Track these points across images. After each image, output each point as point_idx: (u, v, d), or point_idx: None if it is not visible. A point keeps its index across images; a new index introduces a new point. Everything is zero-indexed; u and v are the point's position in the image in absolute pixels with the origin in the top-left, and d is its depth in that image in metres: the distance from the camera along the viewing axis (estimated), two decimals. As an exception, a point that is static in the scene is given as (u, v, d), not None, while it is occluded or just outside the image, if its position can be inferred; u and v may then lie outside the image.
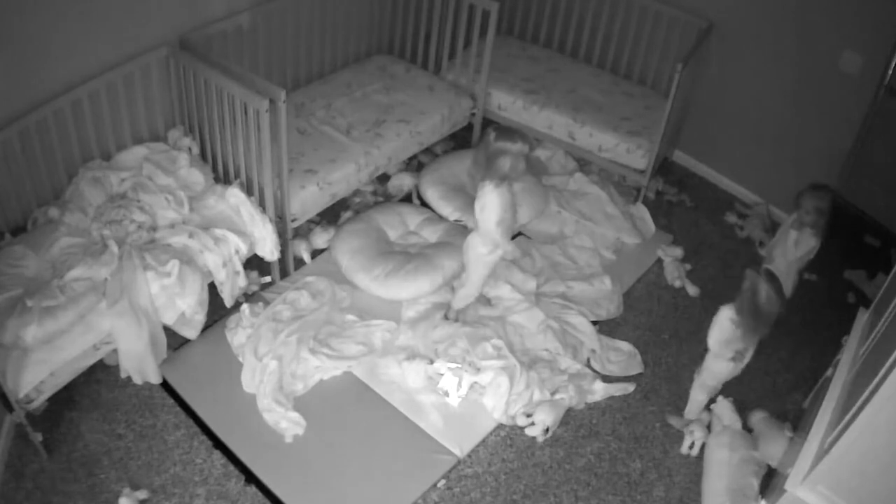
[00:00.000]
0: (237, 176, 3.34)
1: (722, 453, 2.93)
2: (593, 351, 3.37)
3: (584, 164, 4.34)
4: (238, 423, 2.94)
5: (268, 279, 3.50)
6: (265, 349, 3.08)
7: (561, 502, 2.88)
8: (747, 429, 3.07)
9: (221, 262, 3.06)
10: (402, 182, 4.10)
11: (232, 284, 3.14)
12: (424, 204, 3.94)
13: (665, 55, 4.23)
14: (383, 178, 4.12)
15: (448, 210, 3.81)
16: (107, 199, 3.12)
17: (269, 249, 3.23)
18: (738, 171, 4.35)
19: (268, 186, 3.18)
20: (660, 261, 3.92)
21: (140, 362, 2.90)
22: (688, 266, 3.89)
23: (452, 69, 4.31)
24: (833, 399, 2.46)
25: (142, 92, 3.28)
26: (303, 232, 3.68)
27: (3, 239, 2.97)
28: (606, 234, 3.94)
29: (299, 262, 3.62)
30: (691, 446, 3.06)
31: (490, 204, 2.89)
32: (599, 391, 3.22)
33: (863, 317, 2.89)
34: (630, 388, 3.28)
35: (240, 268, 3.16)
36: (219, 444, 2.89)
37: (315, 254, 3.68)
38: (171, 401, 3.01)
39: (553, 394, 3.13)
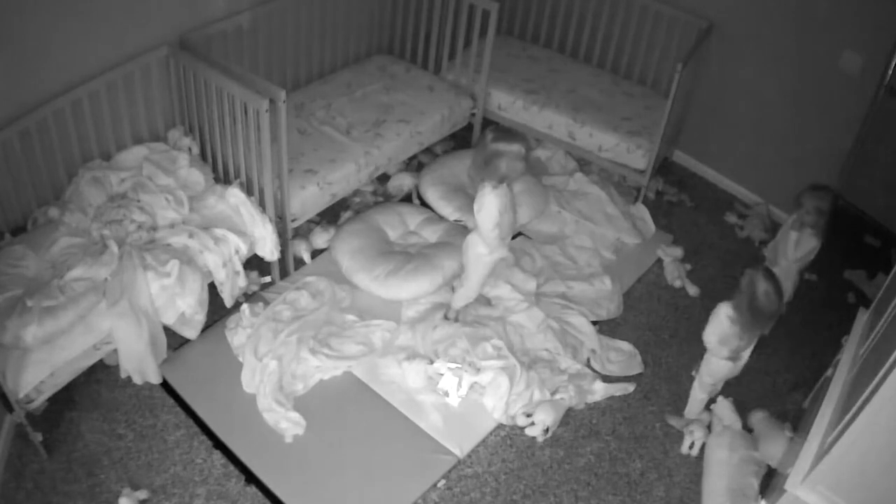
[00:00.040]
0: (237, 176, 3.34)
1: (722, 453, 2.93)
2: (593, 351, 3.37)
3: (584, 164, 4.34)
4: (238, 423, 2.94)
5: (268, 279, 3.50)
6: (265, 349, 3.08)
7: (561, 502, 2.88)
8: (747, 429, 3.07)
9: (221, 262, 3.06)
10: (402, 182, 4.10)
11: (232, 284, 3.14)
12: (424, 204, 3.94)
13: (665, 55, 4.23)
14: (383, 178, 4.12)
15: (448, 210, 3.81)
16: (107, 199, 3.12)
17: (269, 249, 3.23)
18: (738, 171, 4.35)
19: (268, 186, 3.18)
20: (660, 261, 3.92)
21: (140, 362, 2.90)
22: (688, 266, 3.89)
23: (452, 69, 4.31)
24: (833, 399, 2.45)
25: (142, 92, 3.28)
26: (303, 232, 3.68)
27: (3, 239, 2.97)
28: (606, 234, 3.94)
29: (299, 262, 3.62)
30: (691, 446, 3.06)
31: (488, 205, 2.89)
32: (599, 391, 3.22)
33: (863, 317, 2.89)
34: (630, 388, 3.28)
35: (240, 268, 3.16)
36: (219, 444, 2.89)
37: (315, 254, 3.68)
38: (171, 401, 3.01)
39: (553, 394, 3.13)
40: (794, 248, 3.18)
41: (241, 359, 3.12)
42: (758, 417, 3.08)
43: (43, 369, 2.67)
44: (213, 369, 3.10)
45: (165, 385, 3.04)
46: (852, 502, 2.13)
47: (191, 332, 3.06)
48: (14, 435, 2.81)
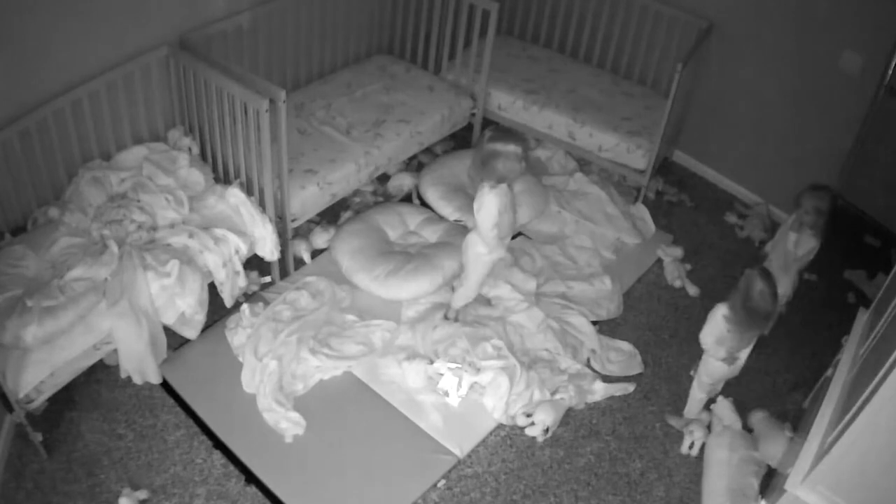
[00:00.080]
0: (237, 176, 3.34)
1: (722, 453, 2.93)
2: (593, 351, 3.37)
3: (584, 164, 4.34)
4: (238, 423, 2.94)
5: (268, 279, 3.50)
6: (265, 349, 3.08)
7: (561, 502, 2.88)
8: (747, 429, 3.07)
9: (221, 262, 3.06)
10: (402, 182, 4.10)
11: (232, 284, 3.14)
12: (424, 204, 3.94)
13: (665, 55, 4.23)
14: (383, 178, 4.12)
15: (448, 210, 3.81)
16: (107, 199, 3.12)
17: (269, 249, 3.23)
18: (738, 171, 4.35)
19: (268, 186, 3.18)
20: (660, 261, 3.92)
21: (140, 362, 2.90)
22: (688, 266, 3.89)
23: (452, 69, 4.31)
24: (833, 399, 2.45)
25: (142, 92, 3.28)
26: (303, 232, 3.68)
27: (3, 239, 2.97)
28: (606, 234, 3.94)
29: (299, 262, 3.62)
30: (691, 446, 3.06)
31: (487, 204, 2.89)
32: (599, 391, 3.22)
33: (863, 317, 2.89)
34: (630, 388, 3.28)
35: (240, 268, 3.16)
36: (219, 444, 2.89)
37: (315, 254, 3.68)
38: (171, 401, 3.01)
39: (553, 394, 3.13)
40: (794, 249, 3.18)
41: (241, 359, 3.12)
42: (758, 417, 3.08)
43: (43, 369, 2.67)
44: (213, 369, 3.10)
45: (165, 385, 3.04)
46: (852, 502, 2.13)
47: (191, 332, 3.06)
48: (14, 435, 2.81)
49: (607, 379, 3.28)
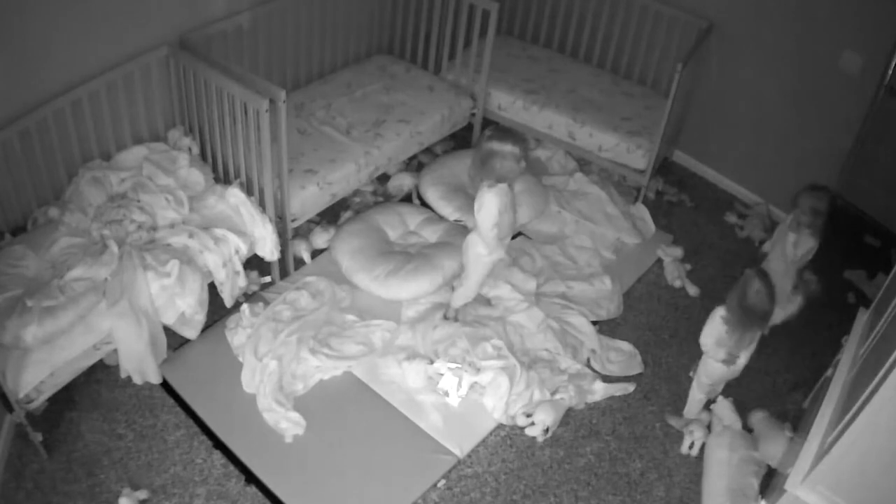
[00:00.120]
0: (237, 176, 3.34)
1: (722, 453, 2.93)
2: (593, 351, 3.37)
3: (584, 164, 4.34)
4: (238, 423, 2.94)
5: (268, 279, 3.50)
6: (265, 349, 3.08)
7: (561, 502, 2.88)
8: (747, 429, 3.07)
9: (221, 262, 3.06)
10: (402, 182, 4.10)
11: (232, 284, 3.14)
12: (424, 204, 3.94)
13: (665, 55, 4.23)
14: (383, 178, 4.12)
15: (448, 210, 3.81)
16: (107, 199, 3.12)
17: (269, 249, 3.23)
18: (738, 171, 4.35)
19: (268, 186, 3.18)
20: (660, 261, 3.92)
21: (140, 362, 2.90)
22: (688, 266, 3.89)
23: (452, 69, 4.31)
24: (833, 399, 2.45)
25: (142, 92, 3.28)
26: (303, 232, 3.68)
27: (3, 239, 2.97)
28: (606, 234, 3.94)
29: (299, 262, 3.62)
30: (691, 446, 3.06)
31: (488, 204, 2.88)
32: (599, 391, 3.22)
33: (863, 317, 2.89)
34: (630, 388, 3.28)
35: (240, 268, 3.16)
36: (219, 444, 2.89)
37: (315, 254, 3.68)
38: (171, 401, 3.01)
39: (553, 394, 3.13)
40: (794, 249, 3.18)
41: (241, 359, 3.12)
42: (758, 417, 3.08)
43: (43, 369, 2.67)
44: (213, 369, 3.10)
45: (165, 385, 3.04)
46: (852, 502, 2.13)
47: (191, 332, 3.06)
48: (14, 435, 2.81)
49: (607, 379, 3.28)
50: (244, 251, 3.15)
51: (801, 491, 2.20)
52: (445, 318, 3.36)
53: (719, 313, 2.78)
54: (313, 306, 3.32)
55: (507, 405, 3.06)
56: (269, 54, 3.77)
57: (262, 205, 3.25)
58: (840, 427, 2.15)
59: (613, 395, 3.25)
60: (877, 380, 2.00)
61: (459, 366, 3.13)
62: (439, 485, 2.88)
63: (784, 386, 3.37)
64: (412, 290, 3.38)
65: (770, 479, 2.84)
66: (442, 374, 3.12)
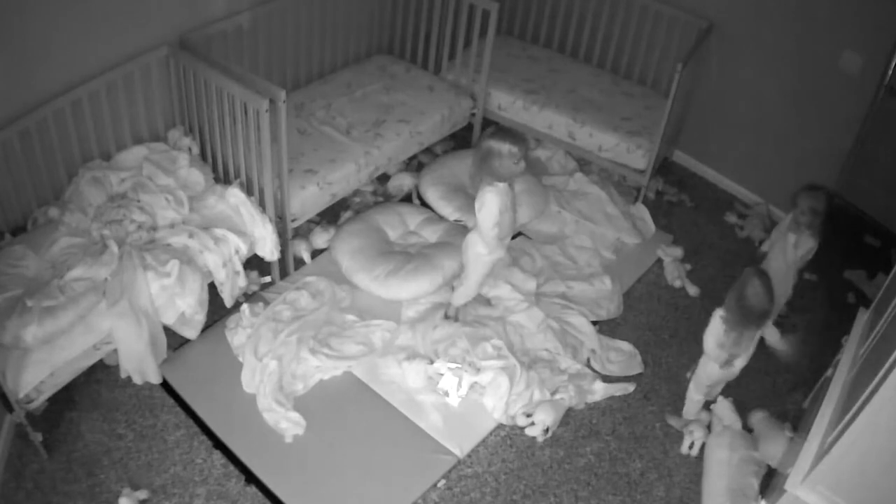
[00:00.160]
0: (237, 176, 3.34)
1: (722, 453, 2.93)
2: (593, 351, 3.37)
3: (584, 164, 4.34)
4: (238, 423, 2.94)
5: (268, 279, 3.50)
6: (265, 349, 3.08)
7: (561, 502, 2.88)
8: (747, 429, 3.07)
9: (221, 262, 3.06)
10: (402, 182, 4.10)
11: (232, 284, 3.14)
12: (424, 204, 3.94)
13: (665, 55, 4.23)
14: (383, 178, 4.12)
15: (448, 210, 3.81)
16: (107, 199, 3.12)
17: (269, 249, 3.23)
18: (738, 171, 4.35)
19: (268, 186, 3.18)
20: (660, 261, 3.92)
21: (140, 362, 2.90)
22: (688, 266, 3.89)
23: (452, 69, 4.31)
24: (833, 399, 2.45)
25: (142, 92, 3.28)
26: (303, 232, 3.68)
27: (3, 239, 2.97)
28: (606, 234, 3.94)
29: (299, 262, 3.62)
30: (691, 446, 3.06)
31: (488, 203, 2.88)
32: (599, 391, 3.22)
33: (863, 317, 2.89)
34: (630, 388, 3.28)
35: (240, 268, 3.16)
36: (219, 444, 2.89)
37: (315, 254, 3.68)
38: (171, 401, 3.01)
39: (553, 394, 3.13)
40: (794, 250, 3.18)
41: (241, 359, 3.12)
42: (758, 417, 3.08)
43: (43, 369, 2.67)
44: (213, 369, 3.10)
45: (165, 385, 3.04)
46: (852, 502, 2.13)
47: (191, 332, 3.06)
48: (14, 435, 2.81)
49: (607, 379, 3.28)
50: (244, 251, 3.15)
51: (801, 491, 2.20)
52: (446, 316, 3.36)
53: (719, 314, 2.78)
54: (313, 306, 3.32)
55: (507, 405, 3.06)
56: (269, 54, 3.77)
57: (262, 205, 3.25)
58: (840, 427, 2.15)
59: (613, 395, 3.25)
60: (877, 380, 1.99)
61: (459, 366, 3.13)
62: (439, 485, 2.88)
63: (784, 386, 3.37)
64: (412, 290, 3.38)
65: (770, 479, 2.84)
66: (442, 374, 3.12)
